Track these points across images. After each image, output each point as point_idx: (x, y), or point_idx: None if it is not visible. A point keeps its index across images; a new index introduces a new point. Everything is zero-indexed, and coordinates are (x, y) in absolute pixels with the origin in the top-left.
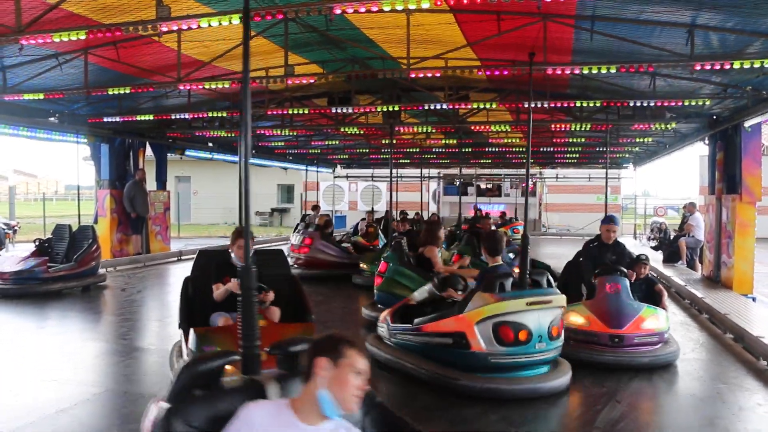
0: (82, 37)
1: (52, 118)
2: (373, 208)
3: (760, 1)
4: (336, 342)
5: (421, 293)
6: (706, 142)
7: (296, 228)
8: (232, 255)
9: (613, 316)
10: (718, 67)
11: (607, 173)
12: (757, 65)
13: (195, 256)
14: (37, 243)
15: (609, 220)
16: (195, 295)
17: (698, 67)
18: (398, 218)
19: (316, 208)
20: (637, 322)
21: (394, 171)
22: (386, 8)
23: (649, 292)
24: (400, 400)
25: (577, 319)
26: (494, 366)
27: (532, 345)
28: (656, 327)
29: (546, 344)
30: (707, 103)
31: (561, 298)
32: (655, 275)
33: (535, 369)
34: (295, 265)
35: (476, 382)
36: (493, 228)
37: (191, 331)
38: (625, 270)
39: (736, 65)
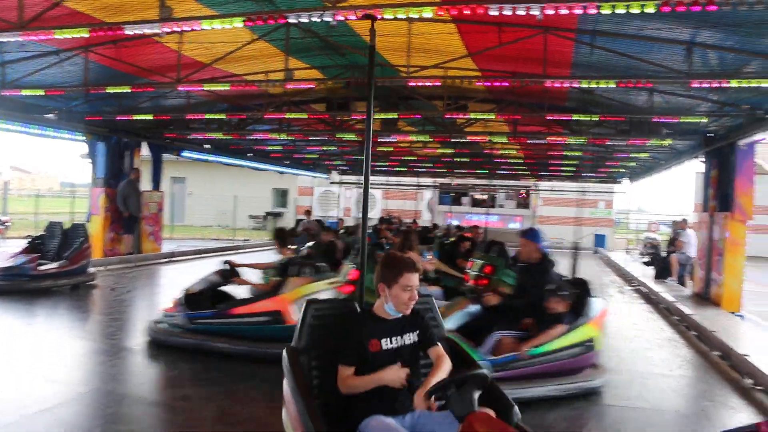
0: (84, 34)
1: (50, 115)
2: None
3: (761, 22)
4: None
5: (201, 283)
6: (702, 159)
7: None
8: (387, 306)
9: None
10: (715, 85)
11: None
12: (754, 84)
13: (302, 310)
14: (29, 240)
15: (522, 233)
16: (317, 385)
17: (695, 84)
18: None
19: (308, 213)
20: None
21: (390, 179)
22: (388, 16)
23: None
24: (231, 374)
25: None
26: None
27: None
28: None
29: None
30: (704, 120)
31: (337, 280)
32: (571, 315)
33: None
34: None
35: None
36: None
37: None
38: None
39: (734, 84)
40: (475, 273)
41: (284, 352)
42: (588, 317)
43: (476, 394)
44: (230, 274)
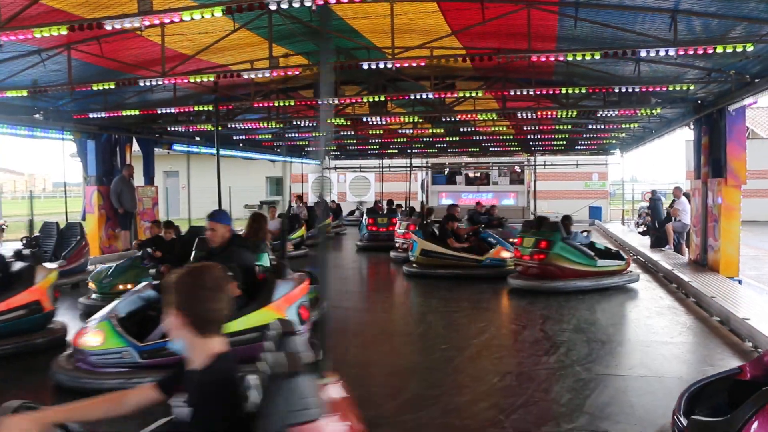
0: (64, 32)
1: (37, 115)
2: (322, 196)
3: None
4: None
5: None
6: (692, 126)
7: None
8: None
9: None
10: (701, 51)
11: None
12: (739, 49)
13: None
14: (24, 241)
15: (209, 216)
16: None
17: (681, 52)
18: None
19: (299, 198)
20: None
21: (382, 161)
22: None
23: None
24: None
25: None
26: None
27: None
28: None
29: None
30: (691, 87)
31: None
32: None
33: None
34: (400, 250)
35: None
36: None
37: None
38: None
39: (719, 50)
40: (529, 249)
41: None
42: (267, 300)
43: None
44: None
